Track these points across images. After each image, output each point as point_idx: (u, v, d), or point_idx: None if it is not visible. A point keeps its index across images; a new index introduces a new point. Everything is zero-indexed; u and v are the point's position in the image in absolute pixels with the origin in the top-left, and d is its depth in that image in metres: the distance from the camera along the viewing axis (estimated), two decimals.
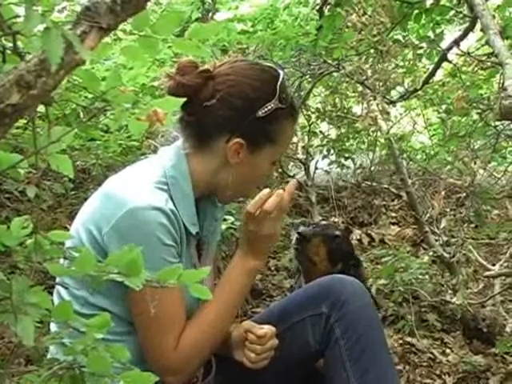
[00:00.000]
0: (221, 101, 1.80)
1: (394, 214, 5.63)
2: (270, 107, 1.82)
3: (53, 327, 1.74)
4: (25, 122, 2.45)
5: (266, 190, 1.85)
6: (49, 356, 1.80)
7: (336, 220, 5.20)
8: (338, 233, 2.65)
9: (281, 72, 1.90)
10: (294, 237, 2.55)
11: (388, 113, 4.87)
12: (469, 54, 3.59)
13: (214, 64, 1.89)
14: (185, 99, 1.81)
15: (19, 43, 0.85)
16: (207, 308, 1.84)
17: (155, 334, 1.76)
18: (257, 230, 1.85)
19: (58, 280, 1.77)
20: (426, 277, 4.01)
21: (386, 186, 5.81)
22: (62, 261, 0.95)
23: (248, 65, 1.91)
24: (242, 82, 1.83)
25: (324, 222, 2.73)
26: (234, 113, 1.81)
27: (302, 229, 2.59)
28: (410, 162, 5.44)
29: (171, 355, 1.77)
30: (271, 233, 1.87)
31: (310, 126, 5.25)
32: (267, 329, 1.89)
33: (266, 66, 1.92)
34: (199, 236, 1.92)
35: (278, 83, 1.85)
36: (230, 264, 1.94)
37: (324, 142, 5.49)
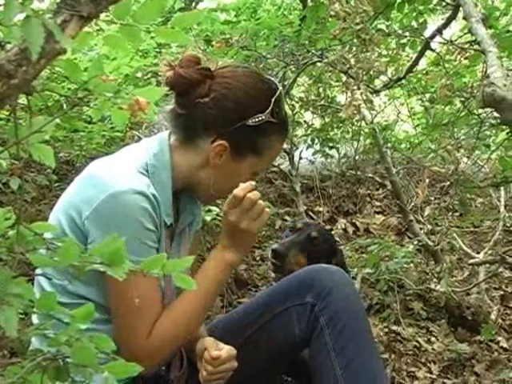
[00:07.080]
0: (214, 100, 1.81)
1: (378, 203, 5.65)
2: (260, 118, 1.82)
3: (35, 319, 1.73)
4: (7, 113, 2.44)
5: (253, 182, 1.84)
6: (31, 348, 1.79)
7: (321, 209, 5.21)
8: (315, 234, 2.61)
9: (279, 88, 1.91)
10: (270, 253, 2.53)
11: (372, 102, 4.87)
12: (451, 41, 3.60)
13: (217, 64, 1.91)
14: (167, 89, 1.83)
15: None
16: (183, 299, 1.84)
17: (130, 320, 1.74)
18: (237, 223, 1.83)
19: (38, 270, 1.76)
20: (411, 265, 4.02)
21: (370, 175, 5.82)
22: (43, 251, 0.94)
23: (248, 72, 1.92)
24: (237, 87, 1.84)
25: (302, 222, 2.69)
26: (224, 115, 1.82)
27: (275, 246, 2.55)
28: (394, 152, 5.45)
29: (143, 342, 1.75)
30: (250, 229, 1.84)
31: (294, 115, 5.23)
32: (225, 351, 1.86)
33: (266, 78, 1.94)
34: (172, 227, 1.92)
35: (274, 97, 1.85)
36: (208, 258, 1.93)
37: (308, 132, 5.49)
